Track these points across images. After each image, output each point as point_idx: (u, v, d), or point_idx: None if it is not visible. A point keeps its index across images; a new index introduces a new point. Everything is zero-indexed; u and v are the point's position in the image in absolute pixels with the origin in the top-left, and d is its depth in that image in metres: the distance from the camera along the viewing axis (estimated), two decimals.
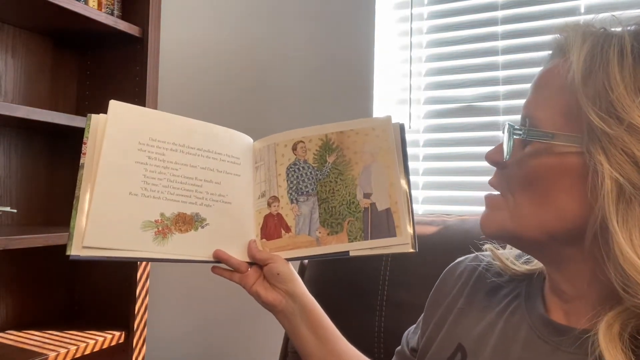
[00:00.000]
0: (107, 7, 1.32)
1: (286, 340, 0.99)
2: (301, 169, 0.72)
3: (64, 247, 0.63)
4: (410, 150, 1.36)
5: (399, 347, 0.71)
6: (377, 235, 0.67)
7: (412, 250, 0.66)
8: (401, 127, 0.70)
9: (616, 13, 0.50)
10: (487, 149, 0.56)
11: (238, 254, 0.70)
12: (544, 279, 0.57)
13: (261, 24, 1.58)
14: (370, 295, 0.91)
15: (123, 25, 1.31)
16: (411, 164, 1.32)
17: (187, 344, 1.63)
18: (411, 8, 1.41)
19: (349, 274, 0.96)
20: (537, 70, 0.54)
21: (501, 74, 1.32)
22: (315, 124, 0.73)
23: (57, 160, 1.43)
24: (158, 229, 0.66)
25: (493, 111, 1.33)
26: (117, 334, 1.29)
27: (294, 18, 1.53)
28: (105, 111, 0.67)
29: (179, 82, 1.66)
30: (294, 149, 0.73)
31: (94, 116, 0.67)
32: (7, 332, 1.28)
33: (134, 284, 1.32)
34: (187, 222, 0.68)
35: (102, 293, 1.40)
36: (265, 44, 1.57)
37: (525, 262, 0.60)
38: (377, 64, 1.43)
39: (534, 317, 0.53)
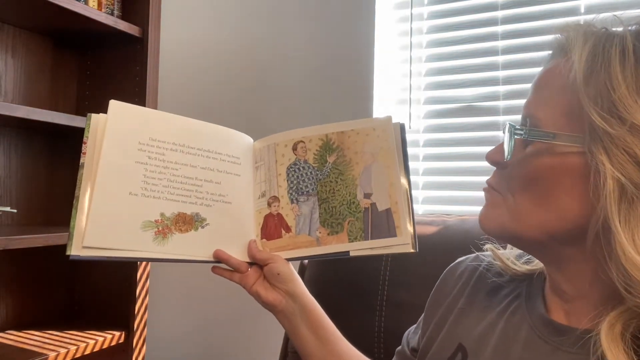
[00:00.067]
0: (107, 7, 1.32)
1: (286, 340, 0.99)
2: (301, 169, 0.72)
3: (64, 247, 0.63)
4: (410, 150, 1.36)
5: (399, 347, 0.71)
6: (378, 235, 0.67)
7: (412, 250, 0.66)
8: (401, 127, 0.70)
9: (617, 13, 0.50)
10: (487, 149, 0.56)
11: (238, 254, 0.70)
12: (544, 279, 0.57)
13: (261, 24, 1.58)
14: (370, 295, 0.91)
15: (123, 25, 1.31)
16: (411, 164, 1.32)
17: (187, 344, 1.63)
18: (411, 8, 1.41)
19: (349, 274, 0.96)
20: (537, 70, 0.54)
21: (501, 74, 1.32)
22: (316, 124, 0.73)
23: (57, 160, 1.43)
24: (158, 228, 0.66)
25: (493, 111, 1.33)
26: (117, 334, 1.29)
27: (294, 18, 1.53)
28: (105, 111, 0.67)
29: (179, 82, 1.66)
30: (294, 148, 0.73)
31: (94, 116, 0.67)
32: (7, 332, 1.28)
33: (134, 284, 1.32)
34: (187, 222, 0.68)
35: (102, 293, 1.40)
36: (265, 44, 1.57)
37: (526, 262, 0.60)
38: (377, 64, 1.43)
39: (534, 317, 0.53)
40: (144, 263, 1.34)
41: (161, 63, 1.40)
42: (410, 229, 0.66)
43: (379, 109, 1.44)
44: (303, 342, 0.70)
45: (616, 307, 0.46)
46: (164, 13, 1.40)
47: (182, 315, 1.64)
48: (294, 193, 0.72)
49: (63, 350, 1.15)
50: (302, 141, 0.73)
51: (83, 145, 0.66)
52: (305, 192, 0.71)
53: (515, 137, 0.50)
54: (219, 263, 0.70)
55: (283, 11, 1.55)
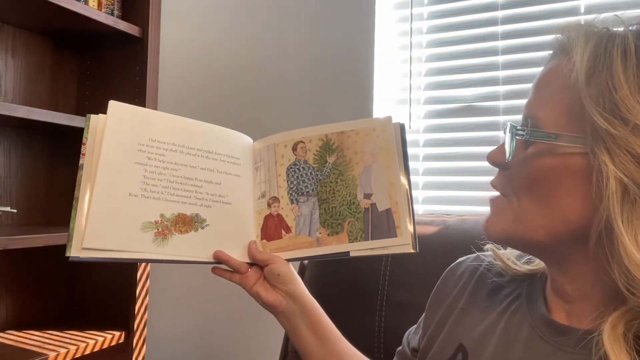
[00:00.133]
0: (107, 7, 1.32)
1: (286, 340, 0.99)
2: (301, 169, 0.72)
3: (64, 247, 0.63)
4: (410, 150, 1.35)
5: (399, 347, 0.71)
6: (378, 235, 0.67)
7: (412, 250, 0.66)
8: (401, 127, 0.70)
9: (618, 13, 0.49)
10: (487, 149, 0.55)
11: (238, 254, 0.70)
12: (545, 279, 0.57)
13: (261, 24, 1.58)
14: (370, 295, 0.91)
15: (123, 25, 1.31)
16: (411, 164, 1.32)
17: (187, 344, 1.63)
18: (411, 8, 1.41)
19: (349, 274, 0.96)
20: (537, 70, 0.54)
21: (501, 74, 1.32)
22: (316, 124, 0.73)
23: (57, 160, 1.43)
24: (158, 229, 0.66)
25: (493, 111, 1.33)
26: (117, 334, 1.29)
27: (294, 18, 1.53)
28: (105, 111, 0.67)
29: (179, 82, 1.65)
30: (294, 149, 0.73)
31: (93, 116, 0.67)
32: (7, 332, 1.28)
33: (134, 284, 1.32)
34: (187, 222, 0.68)
35: (102, 293, 1.40)
36: (265, 44, 1.57)
37: (527, 263, 0.60)
38: (377, 64, 1.43)
39: (535, 317, 0.53)
40: (144, 263, 1.34)
41: (161, 63, 1.40)
42: (410, 229, 0.66)
43: (379, 109, 1.44)
44: (303, 342, 0.70)
45: (618, 307, 0.45)
46: (164, 13, 1.40)
47: (182, 315, 1.64)
48: (293, 193, 0.72)
49: (63, 350, 1.15)
50: (302, 141, 0.73)
51: (82, 146, 0.65)
52: (305, 193, 0.71)
53: (517, 137, 0.50)
54: (219, 264, 0.70)
55: (283, 11, 1.55)
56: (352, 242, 0.68)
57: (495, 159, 0.54)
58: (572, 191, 0.47)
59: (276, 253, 0.70)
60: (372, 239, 0.67)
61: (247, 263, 0.70)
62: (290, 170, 0.72)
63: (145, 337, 1.35)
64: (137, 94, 1.34)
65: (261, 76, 1.57)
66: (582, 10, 1.25)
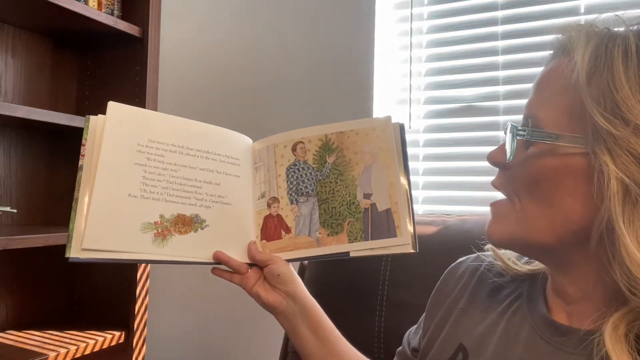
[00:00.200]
0: (107, 7, 1.32)
1: (286, 340, 0.99)
2: (301, 169, 0.72)
3: (63, 247, 0.63)
4: (410, 150, 1.36)
5: (400, 348, 0.71)
6: (378, 235, 0.67)
7: (412, 250, 0.66)
8: (401, 127, 0.70)
9: (619, 13, 0.49)
10: (487, 149, 0.55)
11: (238, 255, 0.70)
12: (546, 280, 0.56)
13: (261, 24, 1.58)
14: (370, 295, 0.91)
15: (123, 25, 1.31)
16: (411, 164, 1.32)
17: (187, 344, 1.63)
18: (411, 8, 1.41)
19: (349, 274, 0.96)
20: (537, 70, 0.54)
21: (501, 74, 1.32)
22: (316, 125, 0.73)
23: (57, 160, 1.43)
24: (157, 230, 0.66)
25: (493, 111, 1.33)
26: (117, 334, 1.29)
27: (294, 18, 1.53)
28: (104, 111, 0.67)
29: (179, 82, 1.65)
30: (294, 149, 0.73)
31: (92, 117, 0.67)
32: (7, 332, 1.28)
33: (134, 284, 1.32)
34: (187, 223, 0.68)
35: (102, 293, 1.40)
36: (265, 44, 1.57)
37: (527, 263, 0.60)
38: (377, 64, 1.43)
39: (536, 317, 0.53)
40: (144, 263, 1.34)
41: (161, 63, 1.40)
42: (410, 229, 0.66)
43: (379, 109, 1.44)
44: (303, 342, 0.70)
45: (619, 308, 0.45)
46: (164, 13, 1.40)
47: (182, 315, 1.64)
48: (293, 194, 0.72)
49: (63, 350, 1.15)
50: (301, 142, 0.73)
51: (82, 147, 0.65)
52: (304, 193, 0.71)
53: (518, 138, 0.50)
54: (219, 264, 0.70)
55: (283, 11, 1.55)
56: (352, 242, 0.68)
57: (495, 159, 0.54)
58: (573, 191, 0.47)
59: (276, 253, 0.70)
60: (372, 239, 0.67)
61: (247, 263, 0.70)
62: (290, 170, 0.72)
63: (145, 337, 1.35)
64: (137, 94, 1.34)
65: (261, 76, 1.57)
66: (582, 10, 1.25)
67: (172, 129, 0.70)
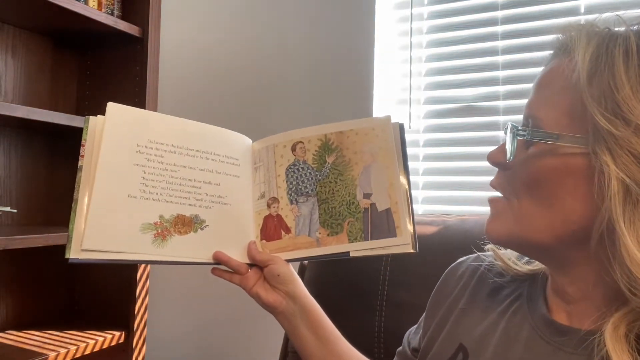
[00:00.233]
0: (107, 7, 1.32)
1: (286, 340, 0.99)
2: (300, 169, 0.72)
3: (63, 247, 0.63)
4: (410, 150, 1.36)
5: (400, 348, 0.71)
6: (378, 235, 0.67)
7: (412, 250, 0.66)
8: (400, 127, 0.70)
9: (620, 13, 0.49)
10: (487, 149, 0.55)
11: (238, 255, 0.70)
12: (546, 280, 0.56)
13: (261, 24, 1.58)
14: (370, 295, 0.91)
15: (123, 25, 1.31)
16: (411, 164, 1.32)
17: (187, 344, 1.63)
18: (411, 8, 1.41)
19: (349, 274, 0.96)
20: (537, 70, 0.54)
21: (501, 74, 1.32)
22: (316, 124, 0.73)
23: (57, 160, 1.43)
24: (157, 231, 0.66)
25: (493, 111, 1.33)
26: (117, 334, 1.29)
27: (293, 18, 1.53)
28: (104, 112, 0.67)
29: (179, 82, 1.65)
30: (293, 149, 0.73)
31: (92, 118, 0.67)
32: (7, 332, 1.28)
33: (134, 284, 1.32)
34: (187, 224, 0.68)
35: (102, 293, 1.40)
36: (265, 44, 1.57)
37: (527, 263, 0.60)
38: (377, 64, 1.43)
39: (536, 317, 0.53)
40: (143, 264, 1.34)
41: (161, 63, 1.39)
42: (410, 229, 0.66)
43: (379, 109, 1.43)
44: (303, 342, 0.70)
45: (620, 308, 0.45)
46: (164, 13, 1.40)
47: (182, 315, 1.64)
48: (293, 194, 0.72)
49: (63, 350, 1.15)
50: (301, 142, 0.73)
51: (81, 148, 0.65)
52: (304, 193, 0.71)
53: (518, 138, 0.50)
54: (219, 265, 0.70)
55: (283, 11, 1.55)
56: (352, 242, 0.68)
57: (495, 159, 0.54)
58: (574, 192, 0.47)
59: (276, 253, 0.70)
60: (371, 239, 0.67)
61: (247, 264, 0.70)
62: (290, 170, 0.72)
63: (145, 337, 1.35)
64: (137, 94, 1.34)
65: (261, 76, 1.57)
66: (582, 10, 1.24)
67: (172, 130, 0.70)
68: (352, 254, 0.68)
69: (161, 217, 0.67)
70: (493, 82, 1.33)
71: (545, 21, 1.27)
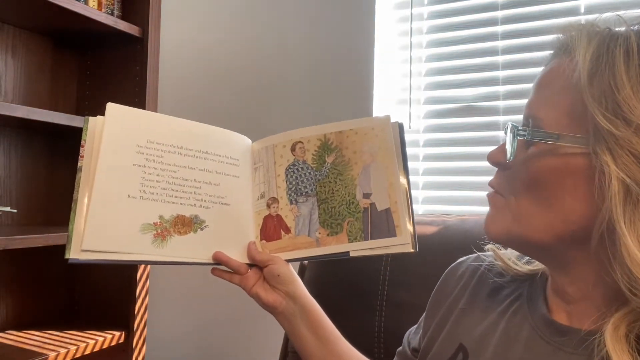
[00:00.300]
0: (107, 7, 1.32)
1: (286, 340, 0.99)
2: (300, 169, 0.72)
3: (63, 247, 0.63)
4: (410, 150, 1.36)
5: (400, 348, 0.71)
6: (377, 235, 0.67)
7: (412, 250, 0.66)
8: (400, 127, 0.70)
9: (620, 12, 0.49)
10: (487, 149, 0.55)
11: (238, 255, 0.70)
12: (546, 280, 0.56)
13: (261, 24, 1.58)
14: (370, 295, 0.91)
15: (123, 25, 1.31)
16: (411, 164, 1.32)
17: (187, 344, 1.63)
18: (411, 8, 1.41)
19: (349, 274, 0.96)
20: (537, 70, 0.54)
21: (501, 74, 1.32)
22: (316, 124, 0.73)
23: (57, 160, 1.43)
24: (157, 231, 0.66)
25: (493, 111, 1.33)
26: (117, 334, 1.29)
27: (293, 18, 1.53)
28: (104, 112, 0.67)
29: (179, 82, 1.65)
30: (293, 149, 0.73)
31: (91, 119, 0.67)
32: (7, 332, 1.28)
33: (134, 284, 1.32)
34: (186, 224, 0.68)
35: (102, 293, 1.40)
36: (265, 44, 1.57)
37: (527, 263, 0.60)
38: (377, 64, 1.43)
39: (536, 317, 0.53)
40: (143, 264, 1.34)
41: (161, 63, 1.39)
42: (410, 228, 0.66)
43: (379, 109, 1.43)
44: (303, 342, 0.70)
45: (620, 308, 0.45)
46: (164, 13, 1.40)
47: (182, 315, 1.64)
48: (293, 194, 0.72)
49: (63, 350, 1.15)
50: (300, 142, 0.72)
51: (81, 148, 0.65)
52: (304, 193, 0.71)
53: (518, 138, 0.50)
54: (219, 265, 0.70)
55: (283, 11, 1.55)
56: (352, 242, 0.68)
57: (495, 159, 0.54)
58: (574, 192, 0.47)
59: (276, 254, 0.70)
60: (371, 239, 0.67)
61: (247, 264, 0.70)
62: (289, 170, 0.72)
63: (145, 337, 1.35)
64: (137, 94, 1.34)
65: (261, 76, 1.57)
66: (582, 10, 1.24)
67: (171, 130, 0.70)
68: (351, 254, 0.68)
69: (161, 217, 0.66)
70: (493, 82, 1.33)
71: (545, 21, 1.27)
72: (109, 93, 1.41)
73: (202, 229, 0.68)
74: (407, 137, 0.70)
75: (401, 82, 1.43)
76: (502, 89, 1.32)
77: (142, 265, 1.34)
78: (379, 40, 1.44)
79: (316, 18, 1.50)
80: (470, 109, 1.35)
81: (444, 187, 1.37)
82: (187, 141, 0.70)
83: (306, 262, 0.99)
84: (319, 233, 0.69)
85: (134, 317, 1.32)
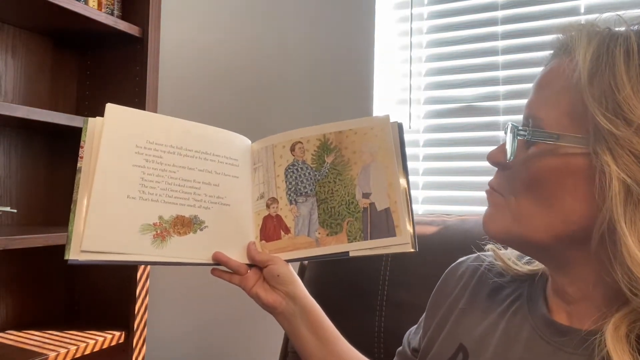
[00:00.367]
0: (107, 7, 1.32)
1: (286, 340, 0.99)
2: (300, 169, 0.72)
3: (63, 248, 0.63)
4: (410, 150, 1.36)
5: (400, 348, 0.71)
6: (377, 235, 0.67)
7: (412, 249, 0.66)
8: (399, 126, 0.70)
9: (620, 12, 0.49)
10: (487, 149, 0.55)
11: (237, 256, 0.70)
12: (546, 280, 0.56)
13: (261, 24, 1.58)
14: (370, 295, 0.91)
15: (123, 25, 1.31)
16: (411, 164, 1.32)
17: (187, 344, 1.63)
18: (411, 8, 1.41)
19: (348, 274, 0.96)
20: (537, 70, 0.54)
21: (501, 74, 1.32)
22: (315, 124, 0.73)
23: (57, 160, 1.43)
24: (156, 232, 0.66)
25: (493, 111, 1.33)
26: (117, 334, 1.29)
27: (293, 18, 1.53)
28: (104, 112, 0.67)
29: (179, 82, 1.65)
30: (292, 149, 0.73)
31: (91, 119, 0.66)
32: (7, 332, 1.28)
33: (134, 284, 1.32)
34: (186, 224, 0.68)
35: (102, 293, 1.40)
36: (265, 44, 1.57)
37: (527, 263, 0.60)
38: (377, 64, 1.43)
39: (536, 317, 0.53)
40: (143, 265, 1.34)
41: (161, 63, 1.39)
42: (409, 228, 0.66)
43: (379, 109, 1.43)
44: (303, 342, 0.70)
45: (620, 308, 0.45)
46: (164, 13, 1.40)
47: (182, 315, 1.64)
48: (292, 194, 0.72)
49: (63, 350, 1.15)
50: (299, 142, 0.72)
51: (80, 149, 0.65)
52: (303, 193, 0.71)
53: (518, 138, 0.50)
54: (218, 265, 0.70)
55: (283, 11, 1.55)
56: (351, 242, 0.68)
57: (495, 159, 0.54)
58: (574, 192, 0.47)
59: (275, 254, 0.70)
60: (371, 239, 0.67)
61: (247, 264, 0.70)
62: (289, 170, 0.72)
63: (145, 337, 1.35)
64: (137, 94, 1.34)
65: (261, 76, 1.57)
66: (582, 10, 1.24)
67: (171, 130, 0.70)
68: (351, 254, 0.68)
69: (160, 217, 0.66)
70: (493, 82, 1.33)
71: (545, 21, 1.27)
72: (109, 93, 1.41)
73: (201, 230, 0.68)
74: (407, 137, 0.71)
75: (401, 82, 1.43)
76: (502, 89, 1.31)
77: (142, 266, 1.34)
78: (379, 40, 1.44)
79: (316, 18, 1.50)
80: (470, 109, 1.35)
81: (444, 187, 1.37)
82: (187, 142, 0.70)
83: (306, 262, 0.99)
84: (319, 233, 0.69)
85: (133, 317, 1.32)
